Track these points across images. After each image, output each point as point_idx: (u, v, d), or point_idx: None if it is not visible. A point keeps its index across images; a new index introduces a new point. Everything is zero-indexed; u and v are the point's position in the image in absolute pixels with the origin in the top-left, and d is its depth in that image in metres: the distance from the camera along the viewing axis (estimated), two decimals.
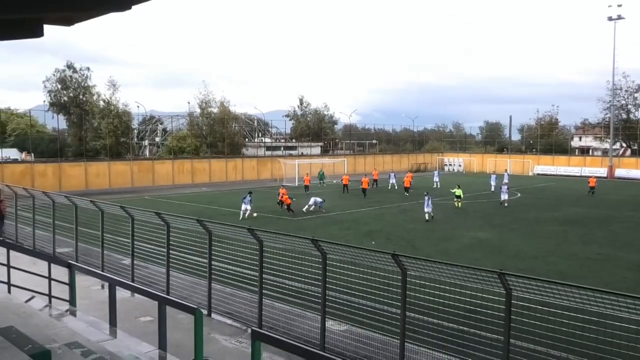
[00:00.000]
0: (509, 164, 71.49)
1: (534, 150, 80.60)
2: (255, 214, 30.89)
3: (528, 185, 54.67)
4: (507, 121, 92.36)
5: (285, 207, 32.69)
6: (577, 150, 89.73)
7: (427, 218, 30.13)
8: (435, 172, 55.44)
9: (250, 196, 31.54)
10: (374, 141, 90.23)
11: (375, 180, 50.94)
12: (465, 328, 10.49)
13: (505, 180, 51.02)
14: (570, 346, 8.93)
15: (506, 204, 36.73)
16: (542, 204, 39.78)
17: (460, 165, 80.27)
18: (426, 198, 30.71)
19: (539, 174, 70.99)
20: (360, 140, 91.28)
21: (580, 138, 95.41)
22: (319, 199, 34.04)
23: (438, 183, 51.06)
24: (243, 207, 30.91)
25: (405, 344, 10.11)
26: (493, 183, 49.09)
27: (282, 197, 33.44)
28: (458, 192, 36.75)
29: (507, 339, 8.82)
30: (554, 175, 69.39)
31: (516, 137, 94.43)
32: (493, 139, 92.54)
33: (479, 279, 9.11)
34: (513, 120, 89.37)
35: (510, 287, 8.71)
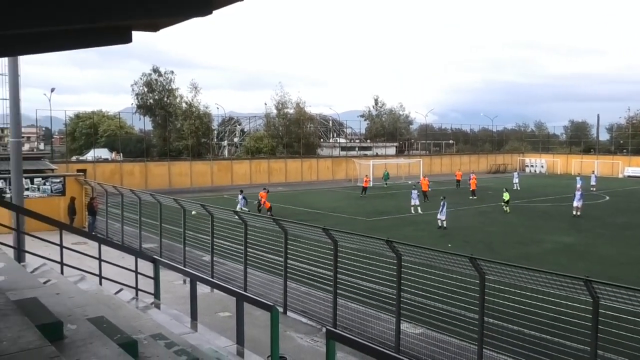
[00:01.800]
0: (597, 165, 67.62)
1: (624, 150, 75.79)
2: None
3: (617, 188, 51.51)
4: (594, 120, 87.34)
5: (267, 211, 30.29)
6: None
7: (439, 225, 27.25)
8: (515, 174, 52.91)
9: (242, 195, 30.85)
10: (451, 141, 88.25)
11: (458, 181, 49.62)
12: (548, 336, 10.03)
13: (592, 183, 48.11)
14: None
15: (577, 213, 31.85)
16: (633, 208, 37.35)
17: (542, 167, 76.86)
18: (442, 203, 27.46)
19: (629, 176, 66.62)
20: (437, 140, 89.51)
21: None
22: (414, 194, 33.33)
23: (518, 185, 49.07)
24: (238, 207, 28.87)
25: (484, 350, 9.81)
26: (578, 185, 46.20)
27: (262, 201, 31.52)
28: (505, 196, 33.87)
29: (594, 349, 8.35)
30: None
31: (604, 137, 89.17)
32: (579, 139, 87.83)
33: (563, 285, 8.68)
34: (601, 119, 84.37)
35: (597, 295, 8.24)
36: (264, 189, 34.05)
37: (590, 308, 8.43)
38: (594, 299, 8.27)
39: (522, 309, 9.94)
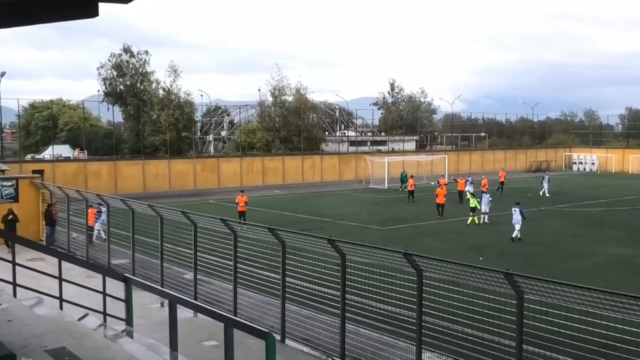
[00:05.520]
0: None
1: None
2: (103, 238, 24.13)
3: None
4: None
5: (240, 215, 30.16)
6: None
7: (513, 236, 27.10)
8: (545, 177, 48.13)
9: (102, 212, 25.00)
10: (483, 134, 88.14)
11: (502, 183, 48.63)
12: None
13: None
14: None
15: None
16: None
17: (593, 164, 76.73)
18: (514, 210, 27.48)
19: None
20: (465, 132, 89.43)
21: None
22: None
23: (547, 190, 46.29)
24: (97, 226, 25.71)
25: None
26: None
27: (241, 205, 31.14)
28: (473, 202, 32.40)
29: None
30: None
31: None
32: (637, 130, 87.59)
33: (618, 306, 8.66)
34: None
35: None
36: (242, 192, 33.67)
37: None
38: None
39: (569, 335, 9.91)
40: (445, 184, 39.37)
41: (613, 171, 73.32)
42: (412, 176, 45.72)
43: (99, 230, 25.65)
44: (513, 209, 27.71)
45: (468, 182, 42.84)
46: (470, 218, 32.11)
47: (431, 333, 11.45)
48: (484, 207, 32.36)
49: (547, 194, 45.24)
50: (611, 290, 9.19)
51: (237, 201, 31.71)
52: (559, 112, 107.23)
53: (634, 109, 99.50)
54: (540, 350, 10.37)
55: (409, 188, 43.64)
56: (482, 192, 34.16)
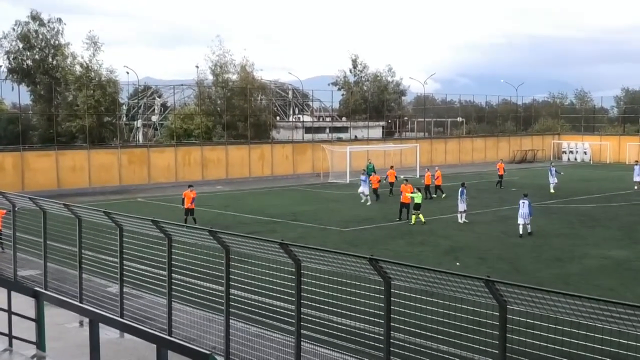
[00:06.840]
0: None
1: None
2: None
3: None
4: None
5: (188, 213, 31.11)
6: None
7: (520, 232, 28.85)
8: (552, 169, 47.51)
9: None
10: (459, 119, 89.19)
11: (501, 177, 49.05)
12: None
13: (636, 179, 47.75)
14: None
15: None
16: None
17: (585, 153, 78.38)
18: (522, 203, 29.14)
19: None
20: (440, 117, 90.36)
21: None
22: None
23: (552, 185, 46.44)
24: None
25: None
26: (638, 179, 47.45)
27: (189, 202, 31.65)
28: (417, 198, 32.89)
29: None
30: None
31: None
32: (635, 114, 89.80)
33: (614, 317, 8.89)
34: None
35: None
36: (190, 186, 33.35)
37: None
38: None
39: (559, 351, 10.13)
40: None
41: (608, 161, 74.94)
42: (392, 166, 46.27)
43: None
44: (521, 202, 29.06)
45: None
46: (414, 217, 32.39)
47: (401, 351, 11.55)
48: (462, 205, 32.81)
49: (551, 190, 45.36)
50: (606, 299, 9.41)
51: (183, 196, 31.51)
52: (547, 93, 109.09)
53: (631, 89, 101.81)
54: None
55: (390, 179, 44.03)
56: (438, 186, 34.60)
